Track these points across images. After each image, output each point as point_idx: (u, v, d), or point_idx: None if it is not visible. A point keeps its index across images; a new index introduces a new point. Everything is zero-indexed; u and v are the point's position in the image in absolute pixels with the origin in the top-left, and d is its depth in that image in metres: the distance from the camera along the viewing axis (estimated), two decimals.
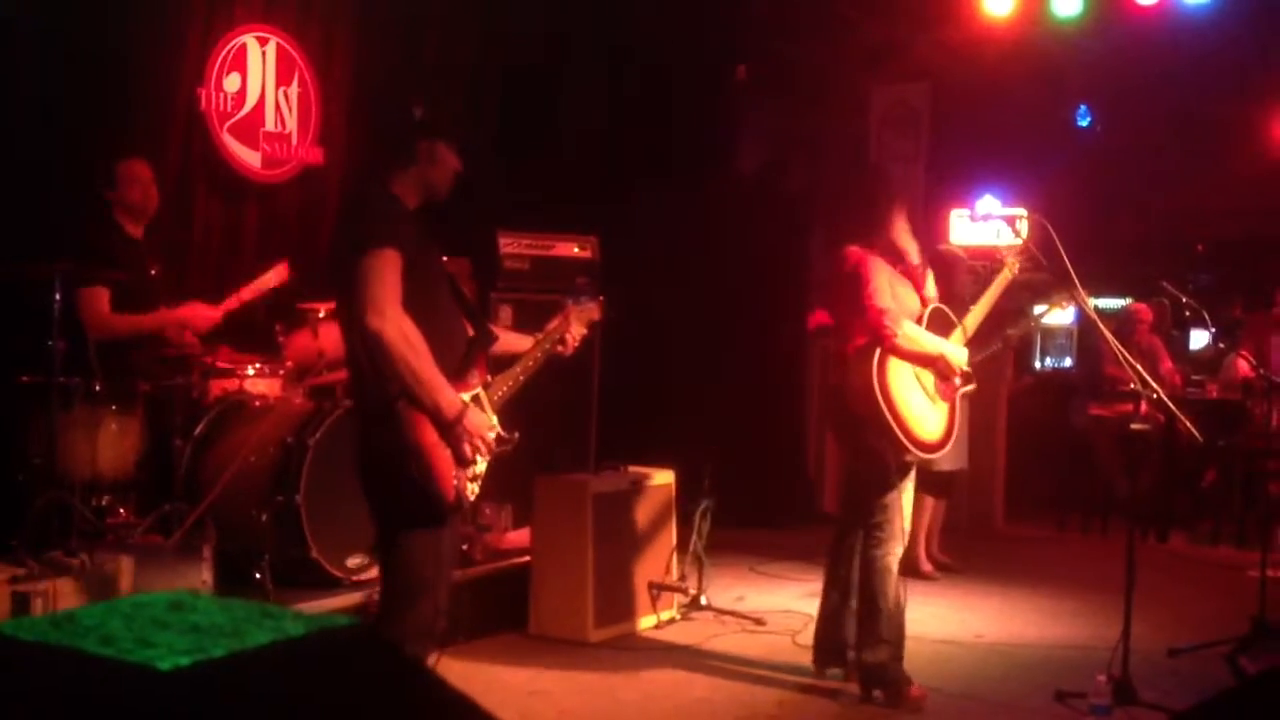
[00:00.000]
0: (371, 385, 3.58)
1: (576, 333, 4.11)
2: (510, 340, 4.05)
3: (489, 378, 3.80)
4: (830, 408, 5.05)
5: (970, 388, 4.91)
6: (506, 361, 3.95)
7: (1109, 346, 4.86)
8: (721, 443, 6.37)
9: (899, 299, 4.74)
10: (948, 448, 4.85)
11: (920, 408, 4.72)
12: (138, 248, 5.59)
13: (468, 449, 3.55)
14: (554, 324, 4.10)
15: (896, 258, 4.82)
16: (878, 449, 4.67)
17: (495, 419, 3.75)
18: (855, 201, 4.91)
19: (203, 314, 5.56)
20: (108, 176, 5.51)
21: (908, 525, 4.82)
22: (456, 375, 3.63)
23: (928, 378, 4.79)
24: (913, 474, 4.84)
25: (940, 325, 4.87)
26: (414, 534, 3.60)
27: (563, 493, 5.75)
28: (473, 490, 3.66)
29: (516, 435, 3.84)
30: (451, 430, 3.51)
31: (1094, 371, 8.79)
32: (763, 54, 9.56)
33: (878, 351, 4.63)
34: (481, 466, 3.68)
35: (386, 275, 3.46)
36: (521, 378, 3.93)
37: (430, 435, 3.51)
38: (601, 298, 4.35)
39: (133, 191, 5.53)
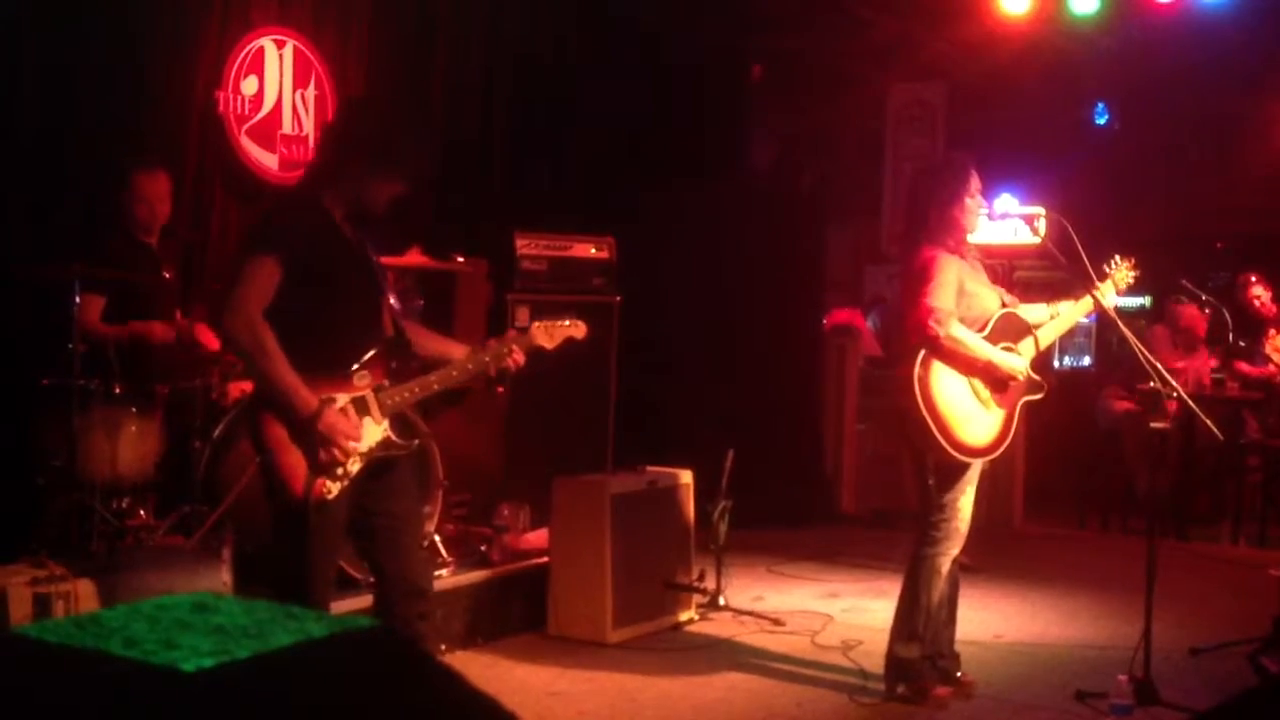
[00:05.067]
0: None
1: (517, 359, 3.92)
2: (446, 346, 3.99)
3: (385, 382, 3.73)
4: (890, 407, 4.98)
5: (1038, 396, 4.85)
6: (440, 365, 3.90)
7: (1141, 344, 4.83)
8: (739, 443, 6.35)
9: (971, 300, 4.67)
10: (997, 453, 4.75)
11: (966, 409, 4.62)
12: (149, 251, 5.58)
13: (322, 452, 3.56)
14: (493, 343, 3.96)
15: (969, 251, 4.77)
16: (920, 447, 4.65)
17: (386, 423, 3.72)
18: (922, 199, 4.79)
19: (163, 331, 5.50)
20: (123, 181, 5.52)
21: (964, 527, 4.75)
22: (343, 377, 3.64)
23: (980, 381, 4.74)
24: (974, 476, 4.76)
25: (1011, 332, 4.78)
26: (277, 525, 3.65)
27: (581, 493, 5.75)
28: (330, 489, 3.59)
29: (416, 442, 3.86)
30: (306, 431, 3.54)
31: (1126, 367, 8.67)
32: (777, 53, 9.56)
33: (923, 349, 4.59)
34: (354, 466, 3.65)
35: (255, 280, 3.53)
36: (435, 386, 3.84)
37: (278, 432, 3.55)
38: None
39: (139, 209, 5.53)
